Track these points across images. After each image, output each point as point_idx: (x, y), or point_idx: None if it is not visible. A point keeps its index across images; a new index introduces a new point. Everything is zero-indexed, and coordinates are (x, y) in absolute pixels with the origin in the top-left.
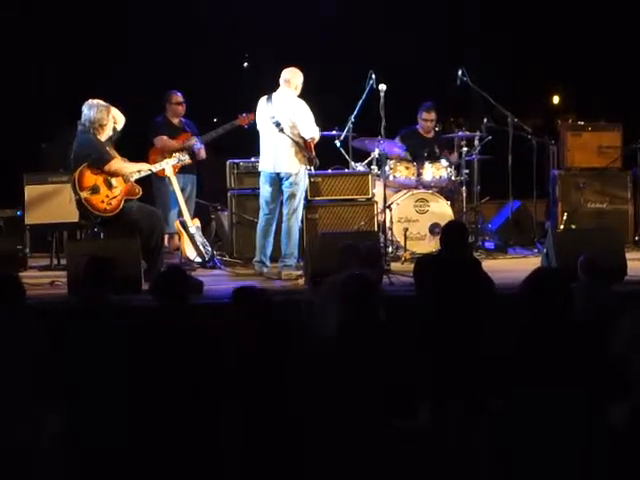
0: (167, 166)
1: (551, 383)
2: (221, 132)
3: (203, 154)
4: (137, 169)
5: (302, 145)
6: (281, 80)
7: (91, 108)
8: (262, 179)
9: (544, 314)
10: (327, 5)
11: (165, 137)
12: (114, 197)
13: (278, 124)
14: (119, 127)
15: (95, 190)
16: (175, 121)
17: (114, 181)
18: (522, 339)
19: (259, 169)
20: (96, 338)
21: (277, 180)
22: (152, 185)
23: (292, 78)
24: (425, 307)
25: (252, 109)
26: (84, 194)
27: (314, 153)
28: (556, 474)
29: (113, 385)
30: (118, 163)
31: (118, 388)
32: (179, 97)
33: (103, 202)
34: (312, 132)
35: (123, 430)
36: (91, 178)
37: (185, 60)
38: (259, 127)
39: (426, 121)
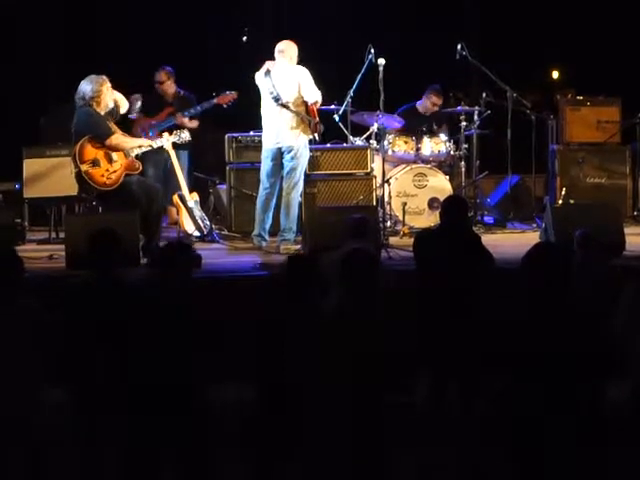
0: (167, 143)
1: (550, 359)
2: (199, 110)
3: (188, 124)
4: (137, 144)
5: (304, 115)
6: (276, 52)
7: (87, 82)
8: (264, 154)
9: (544, 289)
10: None
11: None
12: (114, 171)
13: (277, 99)
14: (122, 110)
15: (96, 163)
16: (165, 95)
17: (115, 155)
18: (522, 314)
19: (263, 146)
20: (105, 311)
21: (278, 154)
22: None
23: (286, 49)
24: (424, 282)
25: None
26: (84, 167)
27: (318, 119)
28: (555, 453)
29: (119, 358)
30: (119, 138)
31: (124, 361)
32: (161, 75)
33: (103, 176)
34: (315, 95)
35: (127, 400)
36: (92, 151)
37: (185, 33)
38: (262, 100)
39: (433, 105)
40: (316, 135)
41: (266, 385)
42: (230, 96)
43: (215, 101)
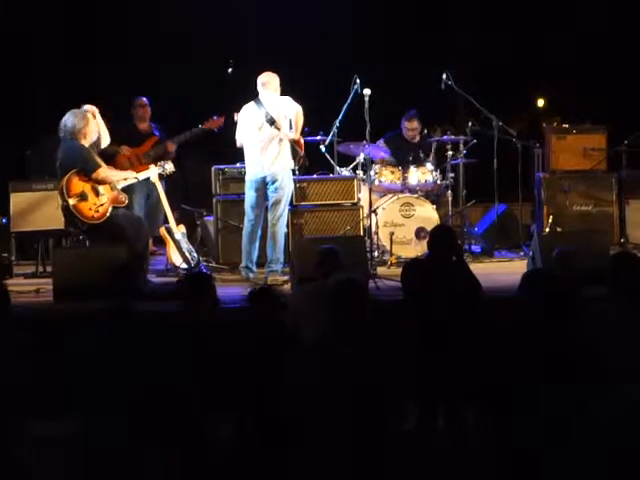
0: (152, 174)
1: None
2: (189, 136)
3: (173, 150)
4: (123, 177)
5: (291, 143)
6: (259, 86)
7: (71, 116)
8: (247, 185)
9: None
10: (312, 10)
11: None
12: (101, 204)
13: (273, 121)
14: (103, 144)
15: (83, 197)
16: (142, 126)
17: (101, 189)
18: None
19: (246, 178)
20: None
21: (262, 185)
22: None
23: (269, 81)
24: (413, 311)
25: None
26: (72, 201)
27: (303, 152)
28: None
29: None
30: (106, 171)
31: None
32: (142, 100)
33: (91, 209)
34: (299, 130)
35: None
36: (79, 185)
37: (171, 67)
38: (243, 134)
39: (409, 130)
40: (296, 168)
41: (254, 417)
42: (219, 121)
43: (205, 126)
